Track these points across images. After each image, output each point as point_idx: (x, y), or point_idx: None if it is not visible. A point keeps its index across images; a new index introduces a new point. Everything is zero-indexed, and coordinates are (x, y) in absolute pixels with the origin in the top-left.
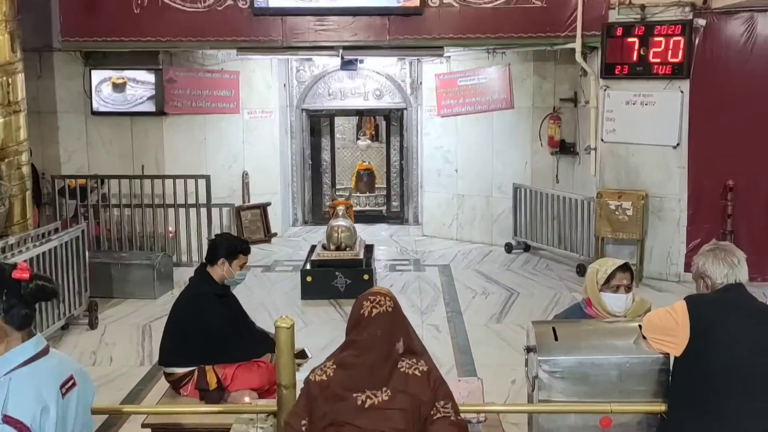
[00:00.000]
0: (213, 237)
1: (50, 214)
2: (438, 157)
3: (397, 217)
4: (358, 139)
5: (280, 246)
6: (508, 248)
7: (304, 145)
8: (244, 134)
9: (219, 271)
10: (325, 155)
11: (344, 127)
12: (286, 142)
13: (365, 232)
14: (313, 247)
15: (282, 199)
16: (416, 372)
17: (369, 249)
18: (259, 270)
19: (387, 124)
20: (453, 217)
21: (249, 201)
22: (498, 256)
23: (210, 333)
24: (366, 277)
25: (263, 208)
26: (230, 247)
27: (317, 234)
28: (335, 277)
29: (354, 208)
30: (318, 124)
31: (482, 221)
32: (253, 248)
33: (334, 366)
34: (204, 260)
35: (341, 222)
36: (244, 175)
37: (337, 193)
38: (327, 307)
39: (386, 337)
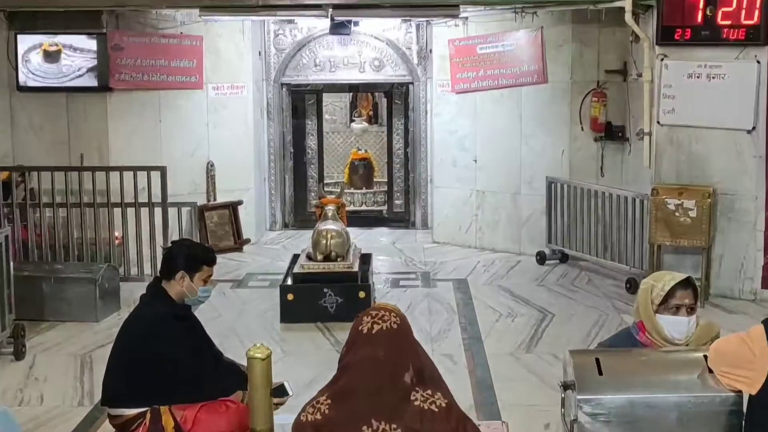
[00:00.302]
0: (169, 245)
1: None
2: (452, 144)
3: (401, 220)
4: (352, 121)
5: (255, 255)
6: (541, 258)
7: (285, 129)
8: (209, 115)
9: (177, 287)
10: (311, 141)
11: (335, 106)
12: (262, 126)
13: (361, 238)
14: (295, 257)
15: (257, 197)
16: (433, 407)
17: (366, 259)
18: (228, 286)
19: (388, 102)
20: (471, 219)
21: (215, 199)
22: (527, 268)
23: (166, 365)
24: (362, 294)
25: (233, 207)
26: (190, 257)
27: (301, 241)
28: (323, 294)
29: (347, 208)
30: (302, 103)
31: (508, 225)
32: (220, 258)
33: (329, 401)
34: (158, 274)
35: (331, 226)
36: (209, 167)
37: (325, 190)
38: (313, 333)
39: (392, 360)
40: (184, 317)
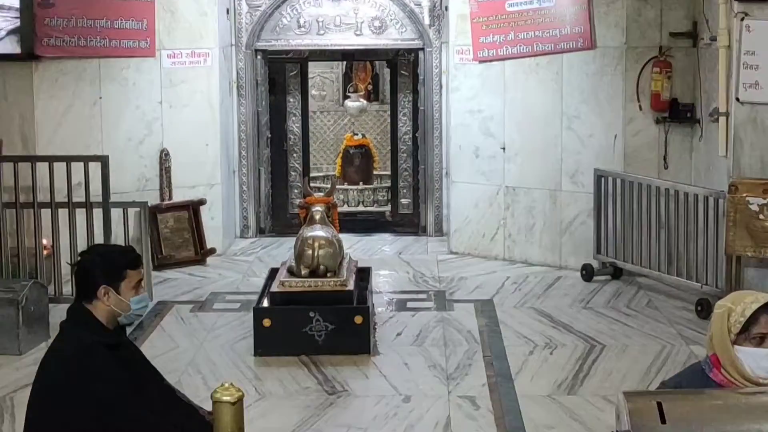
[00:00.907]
0: (77, 259)
1: None
2: (474, 127)
3: (410, 224)
4: (346, 97)
5: (222, 270)
6: (587, 274)
7: (260, 109)
8: (164, 91)
9: (103, 306)
10: (294, 124)
11: (324, 79)
12: (231, 104)
13: (357, 248)
14: (273, 272)
15: (224, 195)
16: None
17: (364, 275)
18: (187, 309)
19: (393, 74)
20: (498, 223)
21: (171, 197)
22: (571, 285)
23: (99, 411)
24: (358, 319)
25: (193, 209)
26: (108, 264)
27: (280, 251)
28: (309, 319)
29: (340, 210)
30: (282, 75)
31: (545, 230)
32: (181, 273)
33: None
34: (76, 296)
35: (319, 232)
36: (164, 157)
37: (312, 186)
38: (296, 369)
39: None
40: (118, 345)
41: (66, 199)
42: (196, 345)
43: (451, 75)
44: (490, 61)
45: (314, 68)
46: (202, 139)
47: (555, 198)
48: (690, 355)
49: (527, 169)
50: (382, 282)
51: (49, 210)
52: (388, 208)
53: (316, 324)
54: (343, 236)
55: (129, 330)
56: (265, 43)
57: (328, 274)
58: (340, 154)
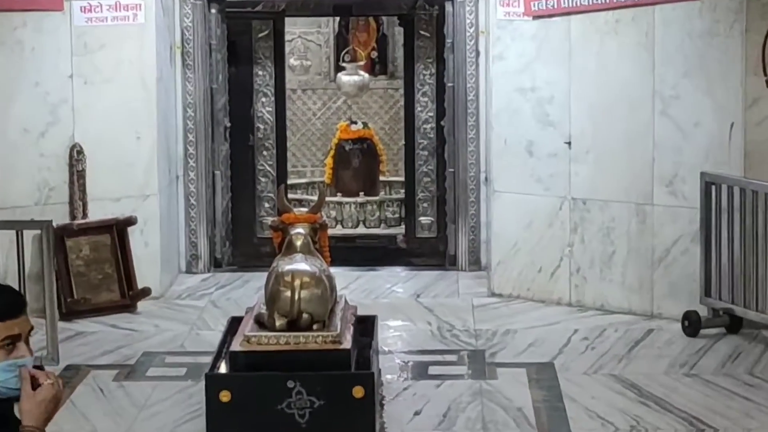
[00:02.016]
0: None
1: None
2: (526, 112)
3: (432, 253)
4: (339, 69)
5: (159, 320)
6: (692, 325)
7: (215, 85)
8: (76, 60)
9: None
10: (264, 108)
11: (307, 42)
12: (173, 79)
13: (358, 288)
14: (235, 323)
15: (163, 212)
16: None
17: (366, 327)
18: (110, 376)
19: (408, 35)
20: (561, 252)
21: (86, 215)
22: (667, 342)
23: None
24: (359, 392)
25: (119, 231)
26: None
27: (244, 292)
28: (287, 392)
29: (331, 231)
30: (247, 37)
31: (630, 262)
32: (100, 324)
33: None
34: None
35: (301, 266)
36: (75, 156)
37: (291, 197)
38: None
39: None
40: None
41: None
42: (123, 429)
43: (493, 37)
44: (550, 15)
45: (293, 27)
46: (132, 131)
47: (644, 215)
48: None
49: (603, 174)
50: (392, 337)
51: None
52: (400, 231)
53: (297, 399)
54: (336, 270)
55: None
56: None
57: (315, 326)
58: (332, 152)
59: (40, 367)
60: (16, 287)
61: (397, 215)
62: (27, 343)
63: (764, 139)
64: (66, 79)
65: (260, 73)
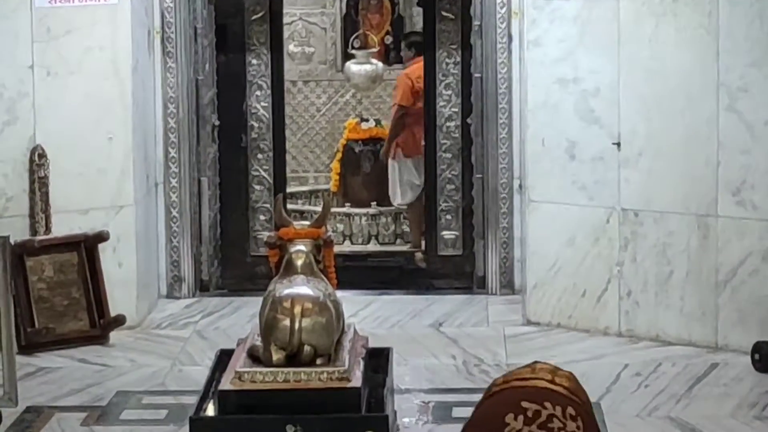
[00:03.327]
0: None
1: None
2: (568, 107)
3: (457, 274)
4: (348, 57)
5: (136, 353)
6: (764, 358)
7: (201, 77)
8: (38, 47)
9: None
10: (259, 103)
11: (310, 26)
12: (151, 69)
13: (369, 315)
14: (224, 357)
15: (140, 226)
16: None
17: (379, 362)
18: (77, 419)
19: (428, 17)
20: (608, 273)
21: (49, 229)
22: (735, 380)
23: None
24: None
25: (88, 248)
26: None
27: (235, 320)
28: None
29: (338, 249)
30: (239, 20)
31: (691, 285)
32: (66, 359)
33: None
34: None
35: (302, 289)
36: (37, 160)
37: (291, 209)
38: None
39: None
40: None
41: None
42: None
43: (528, 19)
44: None
45: (293, 7)
46: (103, 130)
47: (707, 229)
48: None
49: (658, 180)
50: (410, 374)
51: None
52: (419, 248)
53: None
54: (343, 295)
55: None
56: None
57: (318, 361)
58: (339, 155)
59: None
60: None
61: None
62: None
63: None
64: (25, 70)
65: (254, 62)
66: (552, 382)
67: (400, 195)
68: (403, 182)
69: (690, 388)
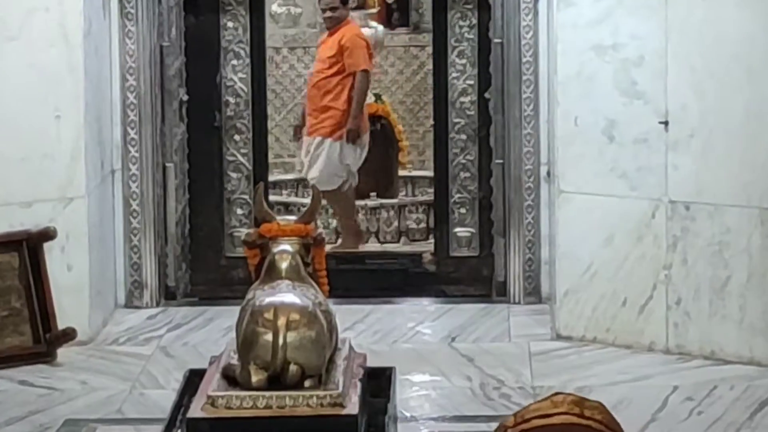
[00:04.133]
0: None
1: None
2: (606, 79)
3: (472, 278)
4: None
5: (88, 373)
6: None
7: (165, 42)
8: None
9: None
10: (235, 74)
11: None
12: (106, 33)
13: (368, 327)
14: (194, 378)
15: (93, 221)
16: None
17: (380, 383)
18: None
19: None
20: (654, 277)
21: None
22: None
23: None
24: None
25: (30, 248)
26: None
27: (207, 334)
28: None
29: (329, 247)
30: None
31: (752, 292)
32: (7, 380)
33: None
34: None
35: (286, 297)
36: None
37: (273, 200)
38: None
39: None
40: None
41: None
42: None
43: None
44: None
45: None
46: (49, 107)
47: None
48: None
49: (714, 167)
50: (416, 398)
51: None
52: (428, 247)
53: None
54: (336, 304)
55: None
56: None
57: (307, 383)
58: None
59: None
60: None
61: (423, 225)
62: None
63: None
64: None
65: (230, 24)
66: (581, 415)
67: (327, 178)
68: (341, 164)
69: (752, 415)
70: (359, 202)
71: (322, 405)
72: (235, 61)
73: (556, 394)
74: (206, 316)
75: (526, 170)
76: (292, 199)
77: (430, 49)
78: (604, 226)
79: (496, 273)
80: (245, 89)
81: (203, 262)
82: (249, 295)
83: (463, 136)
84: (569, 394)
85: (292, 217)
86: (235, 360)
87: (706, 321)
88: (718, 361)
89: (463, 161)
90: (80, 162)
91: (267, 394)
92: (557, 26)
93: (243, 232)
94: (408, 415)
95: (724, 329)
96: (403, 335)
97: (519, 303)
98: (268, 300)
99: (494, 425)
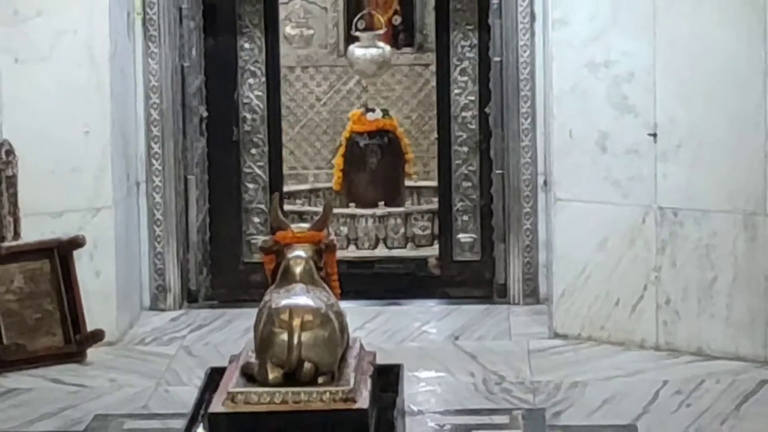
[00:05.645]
0: None
1: None
2: (599, 94)
3: (475, 281)
4: (352, 39)
5: (116, 372)
6: None
7: (186, 63)
8: (3, 33)
9: None
10: (252, 92)
11: (309, 5)
12: (131, 54)
13: (377, 328)
14: (215, 376)
15: (120, 230)
16: None
17: (388, 380)
18: None
19: None
20: (644, 279)
21: (18, 235)
22: None
23: None
24: None
25: (61, 255)
26: None
27: (226, 335)
28: None
29: (342, 254)
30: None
31: (737, 291)
32: (38, 378)
33: None
34: None
35: (300, 299)
36: (3, 156)
37: (287, 209)
38: None
39: None
40: None
41: None
42: None
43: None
44: None
45: None
46: (78, 124)
47: (755, 230)
48: None
49: (701, 175)
50: (423, 393)
51: None
52: (433, 252)
53: None
54: (348, 305)
55: None
56: None
57: (320, 379)
58: (342, 150)
59: None
60: None
61: (428, 232)
62: None
63: None
64: None
65: (247, 46)
66: None
67: None
68: None
69: (737, 407)
70: (369, 211)
71: (334, 400)
72: (251, 80)
73: None
74: (226, 317)
75: (525, 180)
76: (306, 208)
77: (433, 68)
78: (598, 231)
79: (497, 276)
80: (261, 106)
81: (223, 267)
82: (266, 298)
83: (465, 148)
84: None
85: (306, 225)
86: (253, 358)
87: (694, 319)
88: (705, 357)
89: (465, 172)
90: (107, 174)
91: (283, 390)
92: (552, 45)
93: (260, 239)
94: (415, 409)
95: (711, 327)
96: (410, 334)
97: (518, 304)
98: (283, 302)
99: (496, 418)
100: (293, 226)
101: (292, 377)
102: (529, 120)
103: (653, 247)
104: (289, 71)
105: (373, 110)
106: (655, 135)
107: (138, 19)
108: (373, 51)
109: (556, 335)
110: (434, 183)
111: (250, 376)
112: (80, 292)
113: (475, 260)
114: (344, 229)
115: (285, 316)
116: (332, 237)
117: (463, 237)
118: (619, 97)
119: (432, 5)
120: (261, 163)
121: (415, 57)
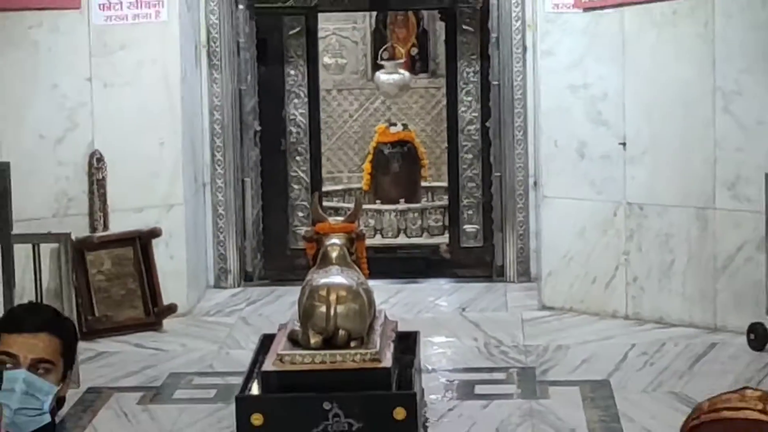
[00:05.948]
0: None
1: None
2: (578, 111)
3: (478, 263)
4: (378, 68)
5: (186, 338)
6: (758, 338)
7: (244, 87)
8: (95, 61)
9: None
10: (297, 110)
11: (343, 40)
12: (198, 80)
13: (398, 302)
14: (267, 341)
15: (189, 223)
16: None
17: (407, 344)
18: (134, 399)
19: (450, 30)
20: (616, 261)
21: (107, 226)
22: (732, 358)
23: None
24: (400, 413)
25: (142, 243)
26: None
27: (277, 307)
28: (323, 414)
29: (369, 242)
30: (278, 35)
31: (691, 271)
32: (123, 344)
33: None
34: None
35: (337, 279)
36: (95, 164)
37: (325, 206)
38: None
39: None
40: None
41: None
42: None
43: (541, 31)
44: (602, 7)
45: (327, 23)
46: (155, 136)
47: (705, 221)
48: None
49: (661, 177)
50: (436, 355)
51: None
52: (444, 240)
53: (334, 421)
54: (374, 283)
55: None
56: None
57: (352, 344)
58: (370, 157)
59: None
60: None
61: (440, 223)
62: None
63: None
64: (84, 82)
65: (292, 72)
66: (764, 411)
67: None
68: None
69: (691, 365)
70: (391, 206)
71: (364, 360)
72: (296, 100)
73: (746, 388)
74: (275, 293)
75: (518, 181)
76: (340, 204)
77: (444, 90)
78: (578, 222)
79: (496, 259)
80: (304, 121)
81: (273, 252)
82: (308, 278)
83: (470, 155)
84: (757, 389)
85: (340, 218)
86: (297, 327)
87: (656, 294)
88: (665, 325)
89: (470, 174)
90: (179, 178)
91: (322, 352)
92: (540, 71)
93: (303, 230)
94: (429, 368)
95: (670, 300)
96: (425, 307)
97: (513, 282)
98: (322, 281)
99: (496, 375)
100: (330, 219)
101: (329, 342)
102: (521, 132)
103: (623, 235)
104: (326, 93)
105: (395, 125)
106: (624, 144)
107: (204, 50)
108: (396, 76)
109: (544, 307)
110: (445, 183)
111: (295, 341)
112: (157, 274)
113: (478, 246)
114: (372, 221)
115: (323, 292)
116: (362, 228)
117: (468, 227)
118: (594, 113)
119: (443, 39)
120: (304, 168)
121: (429, 81)
